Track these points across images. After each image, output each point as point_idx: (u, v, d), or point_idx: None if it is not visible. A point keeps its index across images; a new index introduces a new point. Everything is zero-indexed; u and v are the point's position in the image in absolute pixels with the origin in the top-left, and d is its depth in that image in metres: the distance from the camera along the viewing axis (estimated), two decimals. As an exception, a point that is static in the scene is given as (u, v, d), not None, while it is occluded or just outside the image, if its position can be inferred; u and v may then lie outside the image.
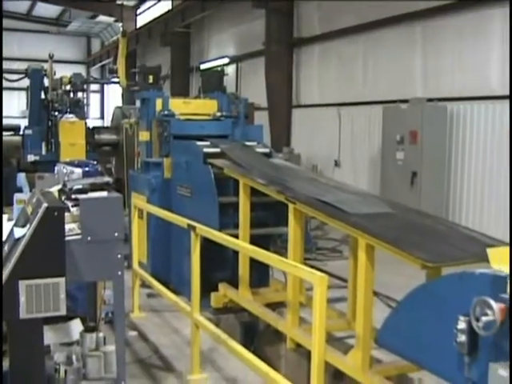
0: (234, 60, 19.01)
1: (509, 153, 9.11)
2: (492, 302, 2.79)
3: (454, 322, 3.08)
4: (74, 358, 3.96)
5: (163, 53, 23.07)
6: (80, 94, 13.62)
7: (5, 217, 4.84)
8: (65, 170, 4.59)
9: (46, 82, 12.42)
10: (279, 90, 15.49)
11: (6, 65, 15.18)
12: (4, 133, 11.86)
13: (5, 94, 16.84)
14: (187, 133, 7.77)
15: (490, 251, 3.11)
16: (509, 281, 2.81)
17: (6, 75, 13.23)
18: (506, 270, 2.91)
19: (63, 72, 13.46)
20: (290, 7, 15.51)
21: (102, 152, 12.20)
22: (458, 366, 3.11)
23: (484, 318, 2.79)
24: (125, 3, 27.02)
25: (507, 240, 5.44)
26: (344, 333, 5.82)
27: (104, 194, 4.05)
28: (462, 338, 3.00)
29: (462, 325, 2.99)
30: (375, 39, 12.86)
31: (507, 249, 3.29)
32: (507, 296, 2.81)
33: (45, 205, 3.52)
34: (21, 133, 12.63)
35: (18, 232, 3.54)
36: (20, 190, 7.73)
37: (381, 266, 5.05)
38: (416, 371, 4.78)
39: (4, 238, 3.85)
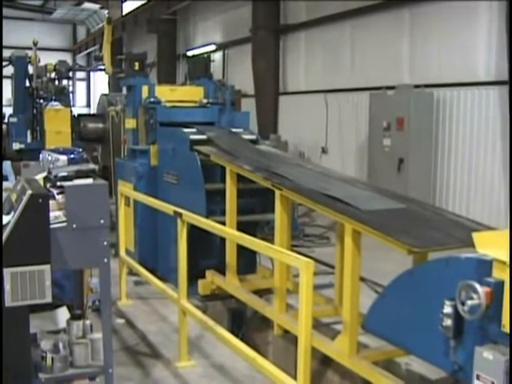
0: (221, 47, 18.92)
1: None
2: (477, 286, 2.81)
3: (440, 306, 3.10)
4: (60, 345, 3.94)
5: (149, 40, 22.94)
6: (65, 82, 13.51)
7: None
8: (50, 158, 4.55)
9: (31, 69, 12.30)
10: (266, 77, 15.44)
11: (-10, 52, 15.01)
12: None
13: (-11, 81, 16.64)
14: (173, 120, 7.76)
15: (475, 236, 3.12)
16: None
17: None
18: (492, 254, 2.92)
19: (49, 60, 13.34)
20: (276, -6, 15.45)
21: (88, 140, 12.11)
22: (443, 350, 3.13)
23: (469, 302, 2.81)
24: (110, -10, 26.80)
25: (493, 225, 5.47)
26: (331, 319, 5.83)
27: (89, 181, 4.03)
28: (448, 322, 3.02)
29: (447, 309, 3.02)
30: (362, 26, 12.83)
31: (492, 233, 3.31)
32: (492, 280, 2.82)
33: (29, 192, 3.49)
34: (5, 121, 12.51)
35: (3, 219, 3.52)
36: (6, 179, 7.67)
37: (369, 253, 5.06)
38: (403, 356, 4.81)
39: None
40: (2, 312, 4.29)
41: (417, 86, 10.75)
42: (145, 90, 8.14)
